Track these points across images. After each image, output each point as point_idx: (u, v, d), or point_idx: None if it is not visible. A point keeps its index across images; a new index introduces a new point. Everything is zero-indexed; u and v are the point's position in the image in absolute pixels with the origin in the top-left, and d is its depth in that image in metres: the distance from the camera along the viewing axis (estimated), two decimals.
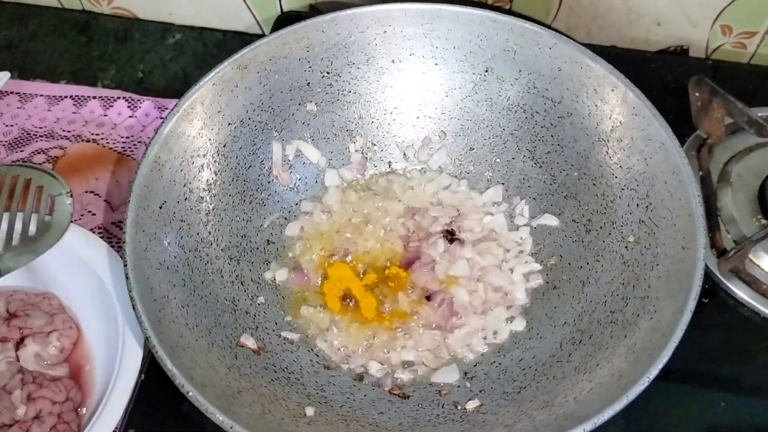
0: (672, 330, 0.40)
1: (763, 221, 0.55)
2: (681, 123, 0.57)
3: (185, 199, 0.49)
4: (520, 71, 0.53)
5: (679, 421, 0.48)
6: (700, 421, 0.48)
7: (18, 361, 0.49)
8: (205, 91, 0.50)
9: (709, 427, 0.47)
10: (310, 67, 0.54)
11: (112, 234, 0.57)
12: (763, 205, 0.56)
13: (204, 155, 0.50)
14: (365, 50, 0.54)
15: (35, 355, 0.49)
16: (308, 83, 0.54)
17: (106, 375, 0.49)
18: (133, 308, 0.41)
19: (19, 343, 0.49)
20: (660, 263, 0.45)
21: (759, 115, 0.58)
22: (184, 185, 0.49)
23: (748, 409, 0.48)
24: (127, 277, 0.42)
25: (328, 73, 0.54)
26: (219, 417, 0.38)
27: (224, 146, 0.52)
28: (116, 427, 0.45)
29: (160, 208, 0.47)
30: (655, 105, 0.48)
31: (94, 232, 0.54)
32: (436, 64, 0.55)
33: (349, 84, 0.55)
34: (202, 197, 0.50)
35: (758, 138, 0.59)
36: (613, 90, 0.49)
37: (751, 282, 0.53)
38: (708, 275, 0.54)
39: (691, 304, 0.41)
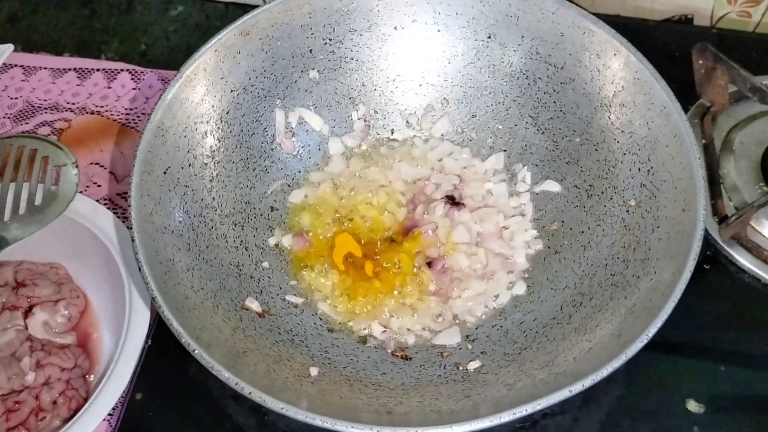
0: (671, 290, 0.40)
1: (765, 188, 0.55)
2: (685, 92, 0.56)
3: (189, 165, 0.49)
4: (523, 37, 0.53)
5: (679, 386, 0.48)
6: (701, 387, 0.48)
7: (26, 329, 0.50)
8: (207, 57, 0.50)
9: (709, 392, 0.48)
10: (312, 33, 0.53)
11: (117, 205, 0.57)
12: (766, 173, 0.56)
13: (207, 122, 0.50)
14: (367, 17, 0.54)
15: (43, 324, 0.50)
16: (310, 50, 0.54)
17: (113, 342, 0.50)
18: (139, 270, 0.42)
19: (28, 312, 0.50)
20: (660, 225, 0.45)
21: (763, 83, 0.58)
22: (188, 151, 0.49)
23: (748, 376, 0.49)
24: (132, 240, 0.42)
25: (330, 39, 0.54)
26: (225, 374, 0.38)
27: (227, 113, 0.52)
28: (124, 391, 0.46)
29: (165, 173, 0.47)
30: (659, 74, 0.48)
31: (99, 203, 0.54)
32: (439, 31, 0.54)
33: (352, 51, 0.55)
34: (206, 163, 0.50)
35: (761, 106, 0.58)
36: (615, 55, 0.49)
37: (752, 248, 0.53)
38: (710, 242, 0.54)
39: (691, 264, 0.41)
